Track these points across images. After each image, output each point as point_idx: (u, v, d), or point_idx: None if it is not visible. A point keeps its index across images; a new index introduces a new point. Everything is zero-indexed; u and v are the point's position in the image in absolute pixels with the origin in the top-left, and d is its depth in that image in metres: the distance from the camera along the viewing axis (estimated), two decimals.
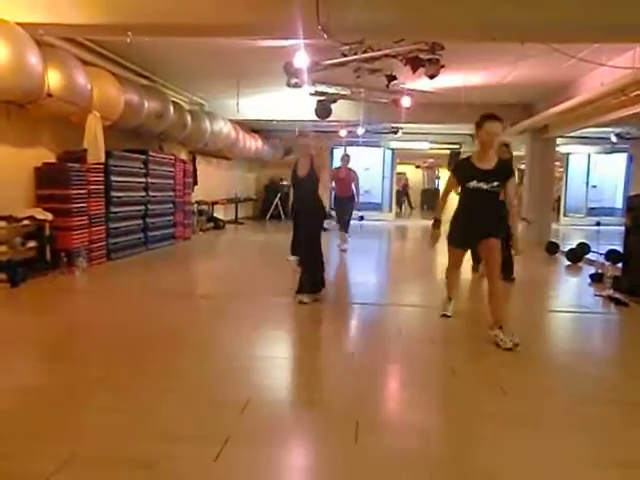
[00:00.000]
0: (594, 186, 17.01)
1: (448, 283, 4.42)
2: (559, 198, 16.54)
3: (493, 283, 3.86)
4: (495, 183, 3.69)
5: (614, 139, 13.76)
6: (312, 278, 4.90)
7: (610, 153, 16.21)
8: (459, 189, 3.96)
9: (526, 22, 4.52)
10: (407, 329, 4.28)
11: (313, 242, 4.92)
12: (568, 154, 16.50)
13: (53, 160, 6.46)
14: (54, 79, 5.44)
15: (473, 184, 3.71)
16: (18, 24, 4.71)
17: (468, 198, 3.83)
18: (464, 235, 3.98)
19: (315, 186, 4.85)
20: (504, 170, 3.78)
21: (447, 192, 4.11)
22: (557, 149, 11.59)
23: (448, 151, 15.84)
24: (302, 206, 4.97)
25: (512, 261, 5.89)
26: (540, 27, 4.59)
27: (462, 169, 3.89)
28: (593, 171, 16.94)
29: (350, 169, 8.81)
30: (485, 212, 3.80)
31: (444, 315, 4.39)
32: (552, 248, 8.96)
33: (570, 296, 6.14)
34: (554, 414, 2.66)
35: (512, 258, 5.82)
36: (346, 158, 8.97)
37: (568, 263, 7.89)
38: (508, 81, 8.30)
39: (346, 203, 8.83)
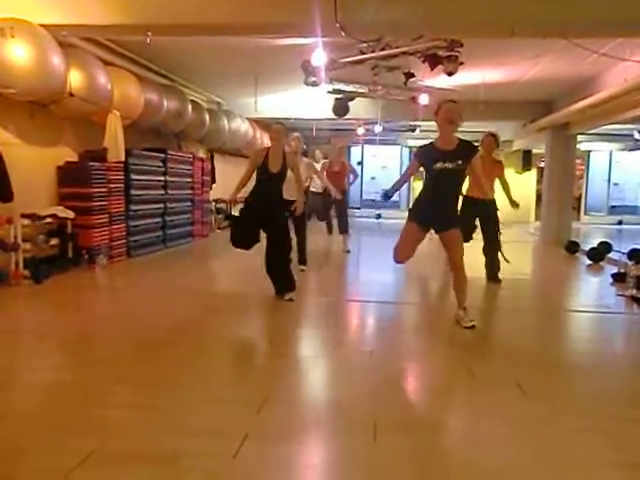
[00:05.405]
0: (616, 184, 16.70)
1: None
2: (580, 196, 16.28)
3: (458, 274, 4.07)
4: (460, 162, 3.84)
5: (637, 136, 13.46)
6: (290, 279, 4.81)
7: (633, 150, 15.89)
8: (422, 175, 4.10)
9: (547, 17, 4.45)
10: (423, 328, 4.26)
11: (284, 246, 4.76)
12: (589, 151, 16.22)
13: (75, 159, 6.56)
14: (76, 79, 5.53)
15: (439, 165, 3.84)
16: (41, 25, 4.79)
17: (434, 181, 3.97)
18: (423, 213, 4.06)
19: (282, 184, 4.73)
20: (466, 148, 3.93)
21: (408, 174, 4.30)
22: (578, 146, 11.40)
23: None
24: (268, 206, 4.67)
25: (498, 261, 5.82)
26: (561, 22, 4.52)
27: (426, 153, 3.99)
28: (615, 169, 16.64)
29: (344, 162, 8.53)
30: (447, 196, 3.99)
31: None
32: (572, 247, 8.82)
33: (591, 296, 6.05)
34: (575, 415, 2.63)
35: (498, 259, 5.80)
36: (340, 150, 8.58)
37: (589, 262, 7.76)
38: (528, 78, 8.19)
39: (342, 200, 8.05)
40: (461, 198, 5.59)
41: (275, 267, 4.78)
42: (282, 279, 4.80)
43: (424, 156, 3.99)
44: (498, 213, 5.80)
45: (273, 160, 4.63)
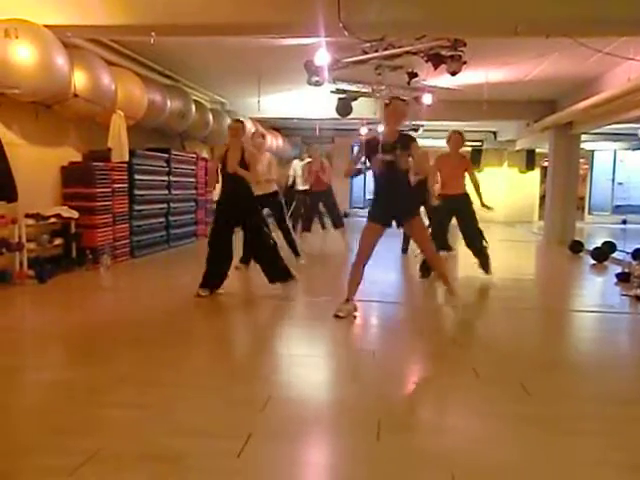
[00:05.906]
0: (620, 183, 16.63)
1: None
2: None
3: (430, 258, 4.41)
4: (397, 152, 4.07)
5: None
6: (280, 265, 4.88)
7: (637, 149, 15.83)
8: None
9: (551, 16, 4.44)
10: (426, 328, 4.26)
11: (262, 232, 4.87)
12: (593, 151, 16.16)
13: (79, 159, 6.58)
14: (80, 80, 5.54)
15: (379, 157, 4.09)
16: (45, 26, 4.80)
17: (379, 173, 4.20)
18: (383, 211, 4.25)
19: (246, 179, 4.83)
20: (404, 139, 4.15)
21: (353, 163, 4.54)
22: (582, 146, 11.36)
23: (469, 148, 15.61)
24: (237, 200, 4.84)
25: (487, 256, 5.91)
26: (565, 21, 4.51)
27: (370, 145, 4.21)
28: (619, 168, 16.58)
29: (323, 161, 8.34)
30: (397, 188, 4.18)
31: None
32: (576, 247, 8.79)
33: (595, 296, 6.03)
34: (579, 416, 2.62)
35: (485, 250, 5.91)
36: (317, 150, 8.45)
37: (593, 262, 7.74)
38: (532, 77, 8.17)
39: (328, 197, 8.17)
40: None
41: (264, 253, 4.87)
42: (273, 265, 4.86)
43: (369, 149, 4.19)
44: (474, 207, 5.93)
45: (232, 156, 4.78)
